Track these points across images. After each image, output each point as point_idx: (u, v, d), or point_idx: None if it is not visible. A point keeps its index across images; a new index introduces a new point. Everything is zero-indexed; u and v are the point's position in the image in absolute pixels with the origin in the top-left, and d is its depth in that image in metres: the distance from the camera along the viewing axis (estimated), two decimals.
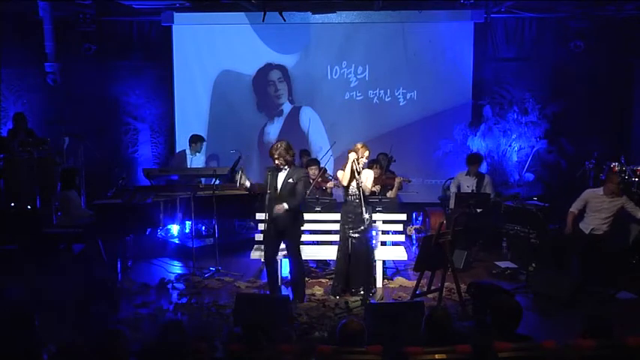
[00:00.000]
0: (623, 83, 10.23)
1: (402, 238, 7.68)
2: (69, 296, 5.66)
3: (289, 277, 6.74)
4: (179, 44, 10.55)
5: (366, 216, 6.49)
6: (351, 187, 6.54)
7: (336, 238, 7.75)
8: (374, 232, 7.07)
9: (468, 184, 8.51)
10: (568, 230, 7.18)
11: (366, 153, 6.55)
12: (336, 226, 7.62)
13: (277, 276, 6.60)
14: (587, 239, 7.11)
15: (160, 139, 10.91)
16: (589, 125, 9.97)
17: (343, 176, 6.55)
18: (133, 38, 10.65)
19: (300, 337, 5.18)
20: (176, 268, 7.78)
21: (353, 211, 6.56)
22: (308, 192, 7.77)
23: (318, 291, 6.75)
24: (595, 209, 7.15)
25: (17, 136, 8.79)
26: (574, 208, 7.27)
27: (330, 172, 8.90)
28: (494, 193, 8.57)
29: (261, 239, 7.47)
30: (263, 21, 9.02)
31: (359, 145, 6.53)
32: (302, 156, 9.16)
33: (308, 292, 6.68)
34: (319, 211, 7.66)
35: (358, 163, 6.45)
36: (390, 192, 8.21)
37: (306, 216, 7.62)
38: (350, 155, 6.46)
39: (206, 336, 4.87)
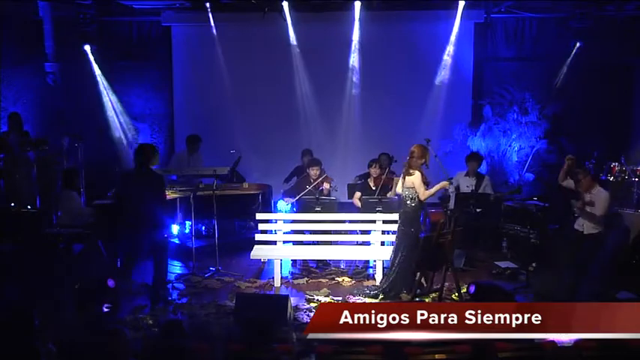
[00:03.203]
0: (623, 83, 10.23)
1: None
2: (69, 296, 5.66)
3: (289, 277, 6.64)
4: (179, 44, 10.55)
5: None
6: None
7: (335, 238, 7.79)
8: None
9: (467, 185, 8.49)
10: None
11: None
12: (336, 226, 7.66)
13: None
14: (586, 239, 7.10)
15: (160, 139, 10.91)
16: (589, 125, 9.96)
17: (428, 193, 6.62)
18: (133, 38, 10.66)
19: (300, 337, 5.18)
20: (176, 268, 7.78)
21: None
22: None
23: (324, 294, 6.72)
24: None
25: (9, 138, 8.77)
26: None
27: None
28: (494, 192, 8.55)
29: (261, 239, 7.48)
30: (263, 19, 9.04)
31: (418, 151, 6.58)
32: (304, 155, 9.12)
33: (308, 293, 6.68)
34: (319, 211, 7.65)
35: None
36: (389, 192, 8.19)
37: (306, 216, 7.64)
38: (417, 175, 6.51)
39: (206, 336, 4.87)
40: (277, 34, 10.18)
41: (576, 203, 6.75)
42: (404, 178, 6.62)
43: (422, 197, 6.52)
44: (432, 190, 6.71)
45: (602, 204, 6.54)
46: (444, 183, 6.76)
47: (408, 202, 6.57)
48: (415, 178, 6.53)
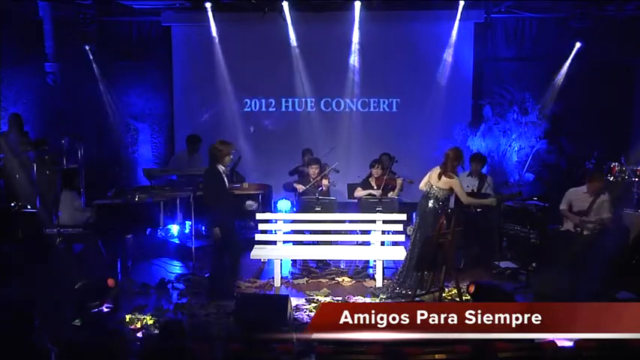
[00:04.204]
0: (623, 83, 10.23)
1: (402, 238, 7.67)
2: (69, 296, 5.66)
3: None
4: (179, 44, 10.55)
5: None
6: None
7: (335, 238, 7.78)
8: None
9: (468, 185, 8.48)
10: (575, 220, 7.19)
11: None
12: (336, 226, 7.66)
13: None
14: (585, 239, 7.11)
15: (160, 139, 10.91)
16: (589, 125, 9.95)
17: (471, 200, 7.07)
18: (133, 38, 10.66)
19: (300, 337, 5.17)
20: (176, 268, 7.78)
21: None
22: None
23: (324, 294, 6.72)
24: (578, 208, 7.20)
25: (9, 138, 8.77)
26: (563, 206, 7.35)
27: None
28: (494, 193, 8.55)
29: (261, 239, 7.48)
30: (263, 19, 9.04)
31: (452, 154, 6.60)
32: (304, 155, 9.14)
33: (308, 293, 6.68)
34: (319, 211, 7.65)
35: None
36: (391, 192, 8.21)
37: (306, 216, 7.64)
38: (454, 179, 6.58)
39: (206, 336, 4.87)
40: (277, 34, 10.17)
41: (583, 222, 7.02)
42: (439, 179, 6.60)
43: (465, 201, 6.82)
44: (477, 201, 7.34)
45: (607, 209, 6.95)
46: (492, 199, 7.33)
47: (432, 201, 6.60)
48: (455, 183, 6.61)
